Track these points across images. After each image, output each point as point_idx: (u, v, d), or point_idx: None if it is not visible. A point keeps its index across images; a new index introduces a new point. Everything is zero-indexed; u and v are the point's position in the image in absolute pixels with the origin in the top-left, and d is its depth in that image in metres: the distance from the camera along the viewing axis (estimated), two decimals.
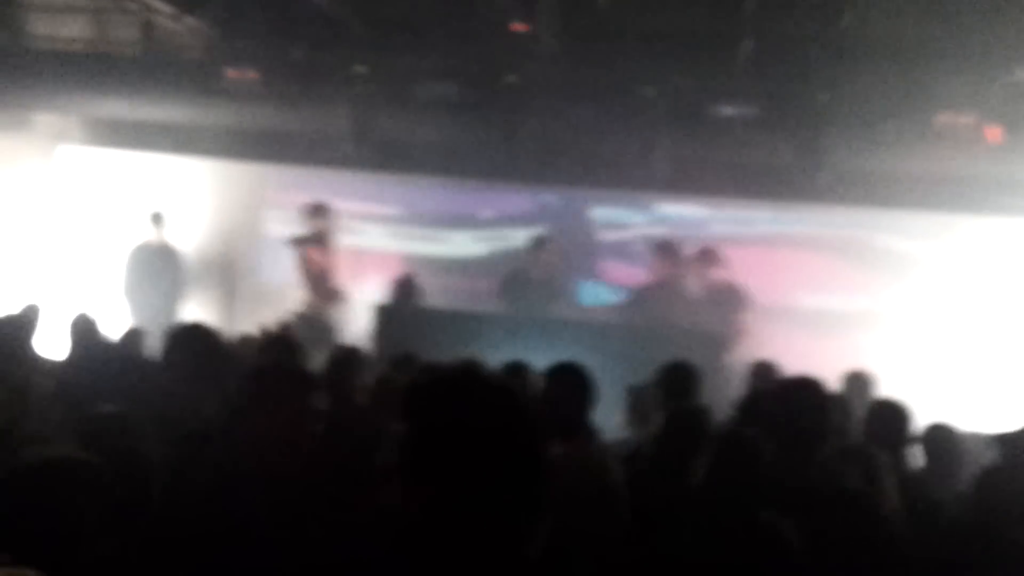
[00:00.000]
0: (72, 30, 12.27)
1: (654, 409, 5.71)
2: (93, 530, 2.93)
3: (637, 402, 6.12)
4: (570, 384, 5.08)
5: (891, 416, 5.75)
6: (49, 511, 2.87)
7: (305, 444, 4.06)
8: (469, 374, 2.25)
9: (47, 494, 2.89)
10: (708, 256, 10.85)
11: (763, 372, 7.55)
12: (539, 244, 11.11)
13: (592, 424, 5.07)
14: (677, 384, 5.79)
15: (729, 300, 10.69)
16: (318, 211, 11.27)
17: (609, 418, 5.92)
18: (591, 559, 4.00)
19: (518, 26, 10.97)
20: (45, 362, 7.06)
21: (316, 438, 4.43)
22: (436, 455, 2.04)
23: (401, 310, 9.76)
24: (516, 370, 6.44)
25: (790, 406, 4.31)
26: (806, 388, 4.45)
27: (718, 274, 10.81)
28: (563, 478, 4.35)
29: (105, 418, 4.26)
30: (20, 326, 7.08)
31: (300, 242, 11.17)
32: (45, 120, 12.82)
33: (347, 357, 6.24)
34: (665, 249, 11.03)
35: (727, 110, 10.76)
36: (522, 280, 10.88)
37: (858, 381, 7.72)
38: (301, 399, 4.17)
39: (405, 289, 10.13)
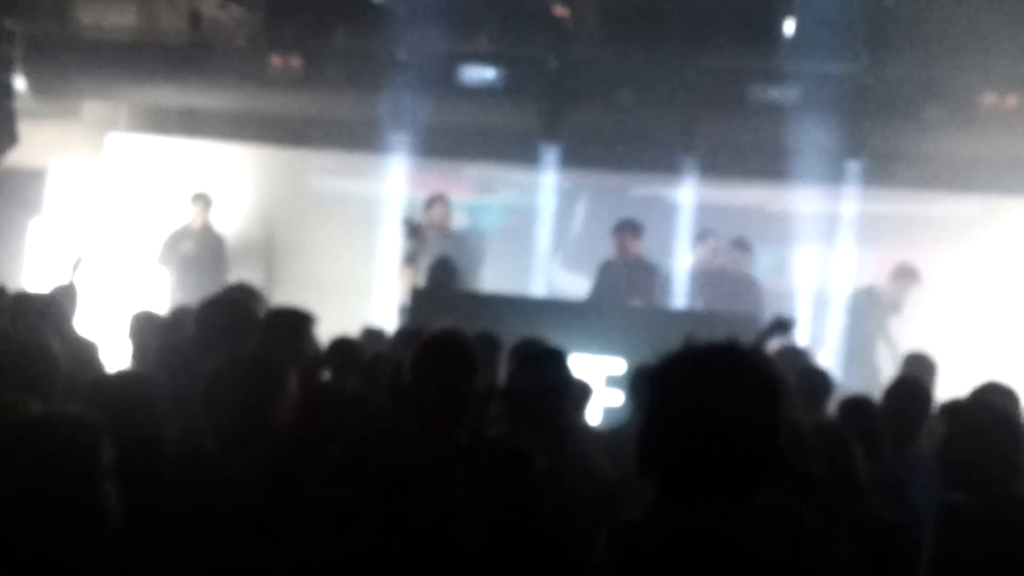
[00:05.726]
0: (120, 19, 12.42)
1: None
2: (85, 488, 2.88)
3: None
4: (534, 366, 4.76)
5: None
6: (36, 467, 2.85)
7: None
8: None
9: (33, 449, 2.87)
10: (740, 245, 10.81)
11: (791, 357, 7.47)
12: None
13: (562, 413, 4.76)
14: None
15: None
16: (436, 201, 11.23)
17: None
18: None
19: (560, 10, 10.95)
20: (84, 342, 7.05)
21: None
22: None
23: (438, 293, 9.75)
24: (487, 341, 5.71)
25: None
26: None
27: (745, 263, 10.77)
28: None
29: (115, 379, 4.21)
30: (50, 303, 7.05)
31: (415, 229, 11.03)
32: (94, 108, 13.01)
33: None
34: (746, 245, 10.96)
35: (769, 92, 10.69)
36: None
37: (919, 364, 7.60)
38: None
39: (442, 272, 10.11)
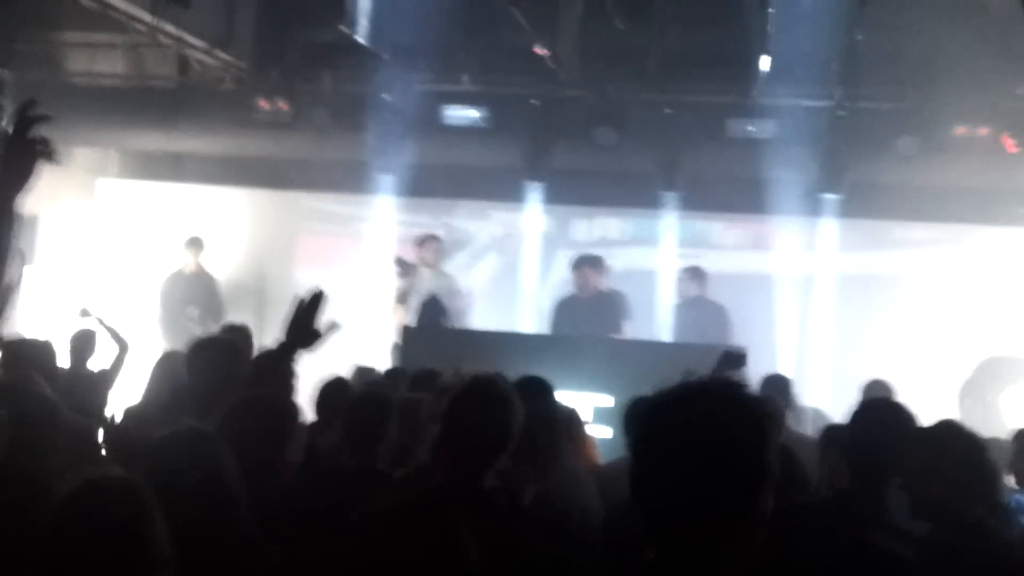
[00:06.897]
0: (109, 66, 12.60)
1: None
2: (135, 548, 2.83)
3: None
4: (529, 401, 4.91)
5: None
6: (85, 537, 2.80)
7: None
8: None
9: (81, 520, 2.82)
10: (693, 274, 10.96)
11: (776, 385, 7.65)
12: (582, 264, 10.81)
13: (549, 445, 4.73)
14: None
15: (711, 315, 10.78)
16: (428, 239, 11.33)
17: None
18: None
19: (540, 50, 11.17)
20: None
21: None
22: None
23: (428, 331, 9.88)
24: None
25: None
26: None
27: (698, 290, 10.88)
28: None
29: (175, 438, 3.95)
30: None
31: (408, 268, 11.09)
32: (84, 155, 13.15)
33: None
34: (697, 272, 11.10)
35: (746, 127, 10.93)
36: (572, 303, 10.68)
37: (879, 390, 7.74)
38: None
39: (432, 310, 10.24)
